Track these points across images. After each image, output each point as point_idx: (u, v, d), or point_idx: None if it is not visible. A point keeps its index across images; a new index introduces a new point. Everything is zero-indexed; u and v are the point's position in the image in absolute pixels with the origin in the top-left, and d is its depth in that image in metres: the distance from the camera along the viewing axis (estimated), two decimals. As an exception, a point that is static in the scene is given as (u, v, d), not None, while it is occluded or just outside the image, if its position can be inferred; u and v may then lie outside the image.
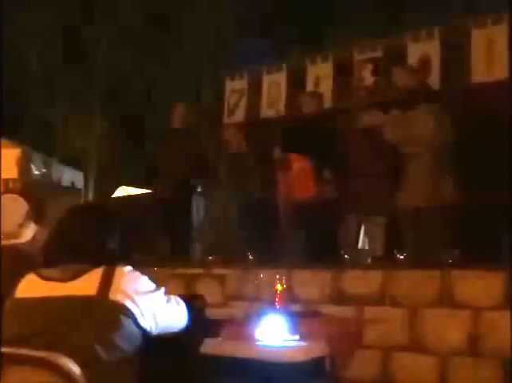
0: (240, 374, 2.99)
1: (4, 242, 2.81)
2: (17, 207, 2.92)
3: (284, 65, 7.50)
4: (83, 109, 15.06)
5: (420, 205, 5.29)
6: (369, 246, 6.04)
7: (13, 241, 2.85)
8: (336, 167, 5.97)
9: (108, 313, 1.90)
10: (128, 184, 12.80)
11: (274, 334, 3.10)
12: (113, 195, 12.52)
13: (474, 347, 4.23)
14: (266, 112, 7.50)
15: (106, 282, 1.92)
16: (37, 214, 2.98)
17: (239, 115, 7.71)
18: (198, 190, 7.11)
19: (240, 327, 3.19)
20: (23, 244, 2.87)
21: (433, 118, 5.32)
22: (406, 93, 5.56)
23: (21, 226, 2.90)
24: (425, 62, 6.25)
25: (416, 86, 5.57)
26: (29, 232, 2.93)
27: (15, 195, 3.00)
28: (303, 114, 6.34)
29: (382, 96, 6.29)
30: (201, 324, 2.31)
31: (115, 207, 2.40)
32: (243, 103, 7.72)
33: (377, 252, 5.77)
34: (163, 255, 6.46)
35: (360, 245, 6.00)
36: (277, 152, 6.27)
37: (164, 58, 14.76)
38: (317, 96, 6.58)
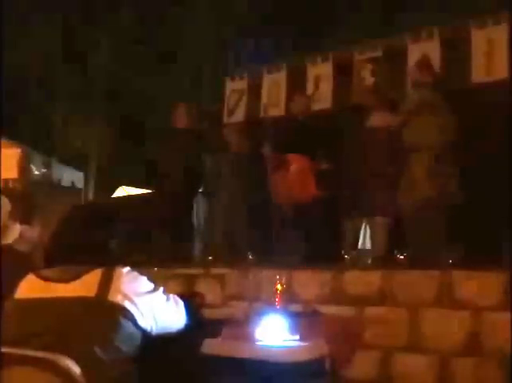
0: (240, 374, 2.99)
1: None
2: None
3: (284, 65, 7.50)
4: (83, 109, 15.06)
5: (420, 205, 5.29)
6: (369, 247, 6.04)
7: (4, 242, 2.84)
8: (336, 168, 5.97)
9: (107, 314, 1.90)
10: (127, 184, 12.80)
11: (274, 334, 3.10)
12: (113, 195, 12.52)
13: (474, 347, 4.23)
14: (266, 112, 7.49)
15: (105, 284, 1.92)
16: (23, 213, 2.96)
17: (239, 115, 7.70)
18: (199, 190, 7.11)
19: (240, 327, 3.18)
20: (12, 244, 2.86)
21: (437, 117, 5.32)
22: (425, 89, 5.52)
23: (4, 227, 2.88)
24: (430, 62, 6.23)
25: (432, 82, 5.54)
26: (15, 232, 2.92)
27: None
28: (303, 114, 6.35)
29: (385, 96, 6.28)
30: (199, 322, 2.31)
31: (115, 207, 2.39)
32: (243, 103, 7.72)
33: (377, 252, 5.77)
34: (163, 255, 6.46)
35: (360, 245, 6.00)
36: (266, 151, 6.28)
37: (164, 58, 14.76)
38: (306, 97, 6.62)
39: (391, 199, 5.52)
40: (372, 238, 6.00)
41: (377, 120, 5.80)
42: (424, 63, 5.84)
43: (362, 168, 5.74)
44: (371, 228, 5.94)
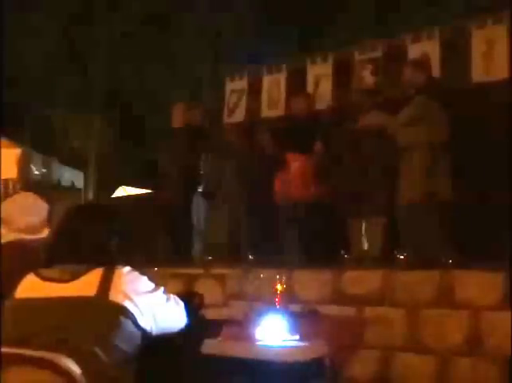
0: (240, 374, 2.99)
1: (15, 238, 2.81)
2: (40, 205, 2.95)
3: (284, 65, 7.50)
4: (83, 109, 15.06)
5: (420, 205, 5.29)
6: (369, 247, 6.04)
7: (34, 236, 2.86)
8: (335, 167, 5.98)
9: (107, 314, 1.90)
10: (127, 184, 12.82)
11: (274, 334, 3.10)
12: (113, 195, 12.54)
13: (474, 347, 4.23)
14: (266, 112, 7.49)
15: (105, 283, 1.92)
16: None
17: (239, 115, 7.70)
18: (199, 190, 7.11)
19: (240, 327, 3.19)
20: (37, 240, 2.87)
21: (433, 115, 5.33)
22: (414, 89, 5.50)
23: (43, 225, 2.92)
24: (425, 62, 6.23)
25: (425, 81, 5.53)
26: (47, 230, 2.96)
27: (34, 195, 3.01)
28: (302, 114, 6.35)
29: (383, 96, 6.28)
30: (199, 322, 2.31)
31: (115, 207, 2.40)
32: (243, 103, 7.71)
33: (377, 252, 5.77)
34: (163, 255, 6.46)
35: (360, 245, 6.00)
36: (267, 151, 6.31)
37: (164, 58, 14.76)
38: (307, 96, 6.63)
39: (391, 199, 5.52)
40: (371, 238, 5.99)
41: (377, 119, 5.80)
42: (419, 63, 5.83)
43: (361, 168, 5.74)
44: (370, 228, 5.94)
